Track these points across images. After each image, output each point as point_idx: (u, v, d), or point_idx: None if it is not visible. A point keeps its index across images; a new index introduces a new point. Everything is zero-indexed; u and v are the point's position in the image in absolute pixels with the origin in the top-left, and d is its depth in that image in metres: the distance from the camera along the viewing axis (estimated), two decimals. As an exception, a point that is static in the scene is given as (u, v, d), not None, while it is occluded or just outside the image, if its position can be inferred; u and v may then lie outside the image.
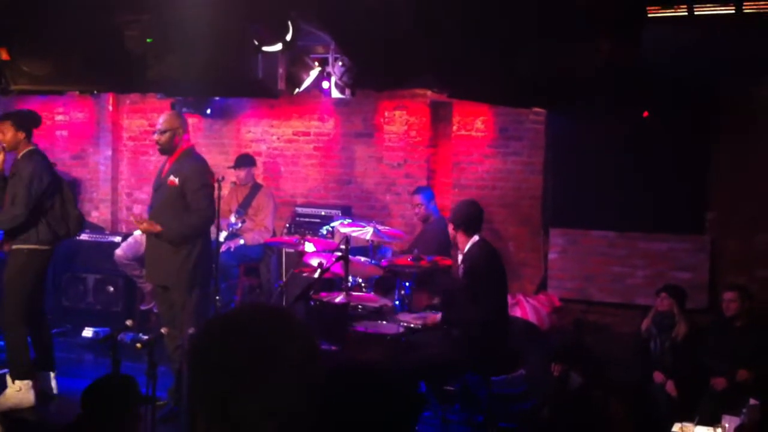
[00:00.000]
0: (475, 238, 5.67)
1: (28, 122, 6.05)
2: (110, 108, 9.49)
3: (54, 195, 6.00)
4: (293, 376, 1.49)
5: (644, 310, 6.63)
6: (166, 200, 5.86)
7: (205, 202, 5.82)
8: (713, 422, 4.93)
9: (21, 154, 5.98)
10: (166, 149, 5.91)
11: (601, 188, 7.46)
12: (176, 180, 5.77)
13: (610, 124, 7.22)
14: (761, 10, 6.29)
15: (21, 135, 5.95)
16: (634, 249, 7.46)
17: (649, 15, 6.96)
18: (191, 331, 5.18)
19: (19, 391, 5.86)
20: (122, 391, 3.80)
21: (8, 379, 5.91)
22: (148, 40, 7.41)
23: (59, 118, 9.69)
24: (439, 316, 5.79)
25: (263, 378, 1.46)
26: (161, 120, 5.98)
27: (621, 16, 5.93)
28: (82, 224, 6.33)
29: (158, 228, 5.76)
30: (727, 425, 4.75)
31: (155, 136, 5.98)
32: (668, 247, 7.37)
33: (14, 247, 5.92)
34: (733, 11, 6.57)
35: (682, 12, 6.92)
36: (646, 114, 7.29)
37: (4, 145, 5.98)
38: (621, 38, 6.60)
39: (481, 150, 8.12)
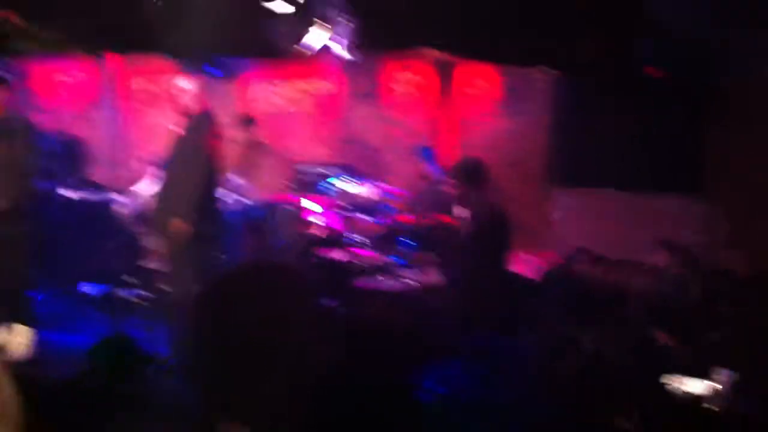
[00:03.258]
0: (481, 196, 5.62)
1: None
2: (114, 67, 9.44)
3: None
4: (298, 334, 1.46)
5: (651, 269, 6.56)
6: (177, 154, 6.02)
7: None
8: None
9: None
10: (182, 110, 6.09)
11: (606, 147, 7.40)
12: (186, 133, 5.97)
13: (615, 83, 7.16)
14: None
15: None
16: (640, 208, 7.40)
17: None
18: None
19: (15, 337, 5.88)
20: (123, 350, 3.80)
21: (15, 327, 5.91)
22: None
23: (64, 78, 9.65)
24: (443, 276, 5.75)
25: (269, 335, 1.44)
26: (182, 82, 6.13)
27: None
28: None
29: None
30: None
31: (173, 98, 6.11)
32: (676, 206, 7.31)
33: None
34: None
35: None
36: (649, 71, 7.21)
37: None
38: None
39: (486, 109, 8.04)
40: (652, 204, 7.34)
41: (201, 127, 6.01)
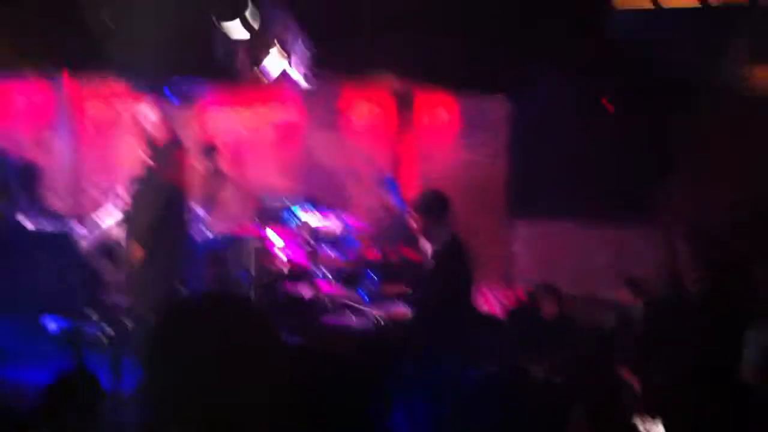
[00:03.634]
0: (442, 229, 5.69)
1: None
2: (70, 90, 9.30)
3: None
4: (251, 366, 1.48)
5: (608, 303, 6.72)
6: (141, 183, 6.20)
7: None
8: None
9: None
10: (148, 139, 6.23)
11: (564, 177, 7.51)
12: (151, 162, 6.15)
13: (572, 112, 7.29)
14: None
15: None
16: (599, 239, 7.54)
17: (617, 7, 7.08)
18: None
19: None
20: (86, 387, 3.78)
21: None
22: (105, 19, 7.29)
23: (19, 101, 9.47)
24: (407, 310, 5.80)
25: (220, 368, 1.45)
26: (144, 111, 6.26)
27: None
28: None
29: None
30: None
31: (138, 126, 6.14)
32: (631, 236, 7.45)
33: None
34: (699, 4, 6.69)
35: (648, 5, 7.05)
36: (605, 102, 7.37)
37: None
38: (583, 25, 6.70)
39: (446, 141, 8.13)
40: (612, 235, 7.49)
41: (167, 154, 6.00)
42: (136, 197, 6.14)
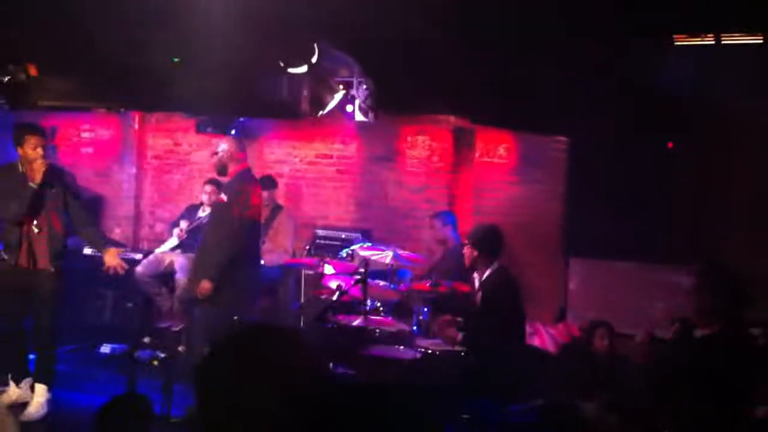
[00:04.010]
0: (495, 264, 5.66)
1: (17, 136, 5.92)
2: (135, 126, 9.59)
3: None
4: (296, 397, 1.48)
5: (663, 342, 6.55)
6: (214, 218, 6.18)
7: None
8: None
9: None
10: (220, 170, 6.21)
11: (622, 218, 7.41)
12: (224, 197, 6.09)
13: (632, 153, 7.21)
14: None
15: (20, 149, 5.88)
16: (654, 280, 7.39)
17: (676, 43, 7.00)
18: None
19: (42, 399, 5.90)
20: (138, 410, 3.80)
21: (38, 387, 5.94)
22: (174, 60, 7.51)
23: (85, 135, 9.79)
24: (460, 335, 5.74)
25: (266, 397, 1.45)
26: (218, 143, 6.28)
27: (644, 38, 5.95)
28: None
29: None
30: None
31: (213, 158, 6.25)
32: (688, 280, 7.27)
33: None
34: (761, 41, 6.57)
35: (709, 41, 6.95)
36: (671, 145, 7.27)
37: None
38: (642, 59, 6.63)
39: (502, 177, 8.11)
40: (668, 276, 7.33)
41: (240, 188, 6.09)
42: (209, 232, 6.17)
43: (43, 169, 5.77)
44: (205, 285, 5.85)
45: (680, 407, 4.61)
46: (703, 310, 4.76)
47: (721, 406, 4.38)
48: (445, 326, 5.85)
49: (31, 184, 5.78)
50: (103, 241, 6.42)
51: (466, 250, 5.75)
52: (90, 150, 9.79)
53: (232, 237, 5.92)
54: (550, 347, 7.00)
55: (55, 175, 5.92)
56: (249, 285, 6.21)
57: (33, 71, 7.99)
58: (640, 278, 7.46)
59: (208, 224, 6.36)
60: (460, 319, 5.92)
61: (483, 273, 5.72)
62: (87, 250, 7.78)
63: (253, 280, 6.31)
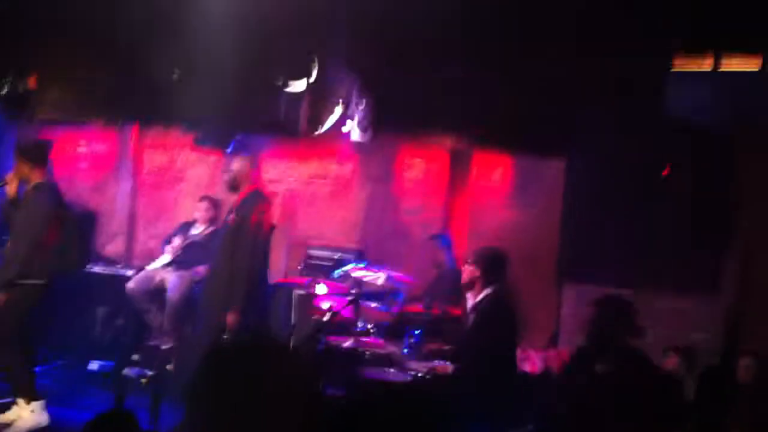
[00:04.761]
0: (489, 289, 5.60)
1: (36, 154, 6.05)
2: (132, 141, 9.57)
3: (58, 229, 5.99)
4: (289, 414, 1.46)
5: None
6: (228, 240, 6.08)
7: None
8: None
9: (30, 185, 6.00)
10: (232, 187, 6.22)
11: (617, 244, 7.38)
12: (235, 217, 6.07)
13: (630, 177, 7.19)
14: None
15: (27, 167, 5.94)
16: (649, 307, 7.34)
17: (674, 69, 7.02)
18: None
19: (33, 412, 5.83)
20: (124, 427, 3.76)
21: (21, 403, 5.87)
22: (174, 74, 7.51)
23: (81, 149, 9.76)
24: (449, 366, 5.70)
25: (258, 414, 1.44)
26: (232, 160, 6.28)
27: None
28: (85, 260, 6.35)
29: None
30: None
31: (224, 176, 6.27)
32: (684, 307, 7.25)
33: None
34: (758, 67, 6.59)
35: (706, 68, 6.97)
36: (665, 172, 7.25)
37: (17, 176, 5.99)
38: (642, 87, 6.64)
39: (498, 200, 8.08)
40: (666, 304, 7.29)
41: (251, 205, 6.07)
42: (226, 256, 6.09)
43: None
44: (233, 317, 5.83)
45: None
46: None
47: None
48: (433, 356, 5.83)
49: None
50: None
51: (467, 268, 5.70)
52: (86, 164, 9.76)
53: (252, 260, 5.91)
54: (541, 372, 6.95)
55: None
56: (267, 305, 6.23)
57: (32, 84, 7.99)
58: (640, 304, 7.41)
59: (219, 247, 6.23)
60: (447, 347, 5.89)
61: (477, 295, 5.67)
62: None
63: (263, 295, 6.30)
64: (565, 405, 5.42)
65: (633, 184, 7.29)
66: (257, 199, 6.16)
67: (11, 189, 5.96)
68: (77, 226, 6.31)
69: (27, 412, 5.83)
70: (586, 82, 6.95)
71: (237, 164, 6.18)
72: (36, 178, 5.96)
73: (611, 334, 5.21)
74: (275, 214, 8.53)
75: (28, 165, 5.94)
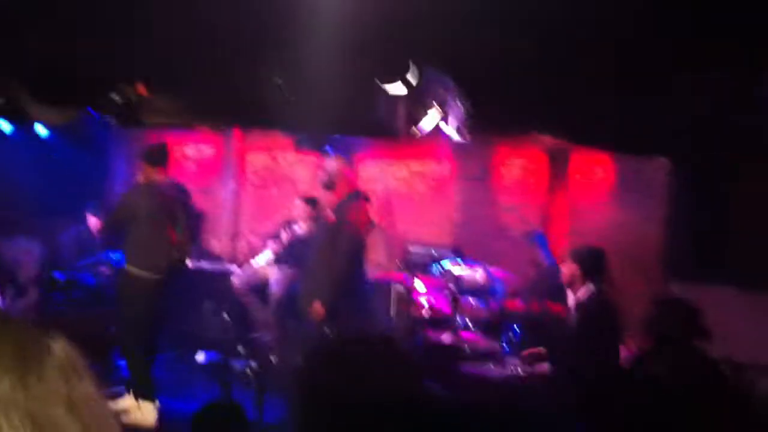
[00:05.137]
0: (591, 287, 5.53)
1: (158, 157, 6.36)
2: (236, 143, 9.85)
3: (174, 226, 6.24)
4: (394, 401, 1.47)
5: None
6: (324, 238, 6.22)
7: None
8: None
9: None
10: (328, 186, 6.38)
11: (726, 241, 7.16)
12: (333, 217, 6.20)
13: (736, 175, 6.97)
14: None
15: (155, 170, 6.24)
16: (759, 306, 7.09)
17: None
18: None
19: (139, 409, 6.06)
20: (232, 417, 3.88)
21: (130, 394, 6.13)
22: (277, 81, 7.70)
23: (189, 151, 10.11)
24: (546, 366, 5.65)
25: (364, 404, 1.46)
26: (328, 161, 6.45)
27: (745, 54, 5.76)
28: (187, 253, 6.56)
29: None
30: None
31: (320, 174, 6.43)
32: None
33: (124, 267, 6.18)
34: None
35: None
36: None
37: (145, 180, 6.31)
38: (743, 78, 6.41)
39: (599, 198, 7.96)
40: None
41: (349, 207, 6.17)
42: (320, 252, 6.25)
43: None
44: (318, 308, 5.95)
45: None
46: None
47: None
48: (532, 360, 5.79)
49: None
50: None
51: (567, 267, 5.63)
52: (193, 166, 10.10)
53: (347, 257, 6.02)
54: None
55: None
56: (366, 302, 6.32)
57: (142, 91, 8.31)
58: (745, 303, 7.16)
59: (317, 244, 6.37)
60: (544, 350, 5.84)
61: (578, 294, 5.60)
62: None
63: (368, 296, 6.39)
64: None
65: (740, 180, 7.05)
66: (355, 199, 6.25)
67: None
68: (189, 224, 6.54)
69: (136, 409, 6.06)
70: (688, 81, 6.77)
71: (332, 165, 6.28)
72: (159, 178, 6.23)
73: (674, 336, 5.04)
74: (374, 212, 8.65)
75: (151, 167, 6.22)
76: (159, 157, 6.37)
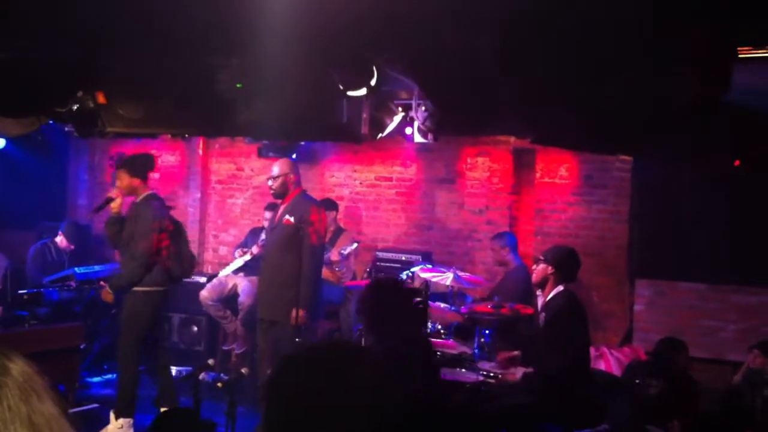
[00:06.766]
0: (560, 287, 5.56)
1: (141, 167, 6.24)
2: (200, 151, 9.76)
3: (171, 238, 6.16)
4: (367, 407, 1.47)
5: (735, 365, 6.38)
6: (279, 240, 6.13)
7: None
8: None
9: (139, 198, 6.17)
10: (279, 194, 6.28)
11: (690, 238, 7.23)
12: (291, 219, 6.10)
13: (698, 172, 7.04)
14: None
15: (136, 181, 6.14)
16: (725, 302, 7.19)
17: (741, 56, 6.82)
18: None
19: (121, 429, 5.99)
20: (183, 421, 3.84)
21: (112, 415, 6.04)
22: (237, 86, 7.62)
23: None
24: (519, 373, 5.67)
25: (337, 411, 1.44)
26: (275, 167, 6.35)
27: (710, 52, 5.80)
28: (194, 265, 6.56)
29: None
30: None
31: (269, 182, 6.26)
32: (761, 301, 7.08)
33: (133, 288, 6.07)
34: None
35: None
36: (737, 163, 7.07)
37: (122, 190, 6.20)
38: (709, 74, 6.47)
39: (564, 197, 8.01)
40: (740, 298, 7.13)
41: (304, 208, 6.13)
42: (280, 254, 6.19)
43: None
44: (304, 314, 5.95)
45: None
46: None
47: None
48: (505, 365, 5.81)
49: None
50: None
51: (539, 267, 5.65)
52: (156, 175, 9.97)
53: (316, 264, 6.07)
54: (616, 371, 6.85)
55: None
56: (320, 306, 6.33)
57: (101, 99, 8.18)
58: (710, 300, 7.26)
59: (275, 247, 6.29)
60: (517, 353, 5.86)
61: (547, 294, 5.63)
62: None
63: (321, 301, 6.41)
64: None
65: (702, 177, 7.12)
66: (311, 203, 6.23)
67: (117, 205, 6.12)
68: (185, 235, 6.47)
69: (115, 428, 5.99)
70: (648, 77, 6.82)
71: (279, 170, 6.25)
72: (143, 190, 6.14)
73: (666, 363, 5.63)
74: (341, 218, 8.62)
75: (135, 178, 6.12)
76: (143, 168, 6.26)
